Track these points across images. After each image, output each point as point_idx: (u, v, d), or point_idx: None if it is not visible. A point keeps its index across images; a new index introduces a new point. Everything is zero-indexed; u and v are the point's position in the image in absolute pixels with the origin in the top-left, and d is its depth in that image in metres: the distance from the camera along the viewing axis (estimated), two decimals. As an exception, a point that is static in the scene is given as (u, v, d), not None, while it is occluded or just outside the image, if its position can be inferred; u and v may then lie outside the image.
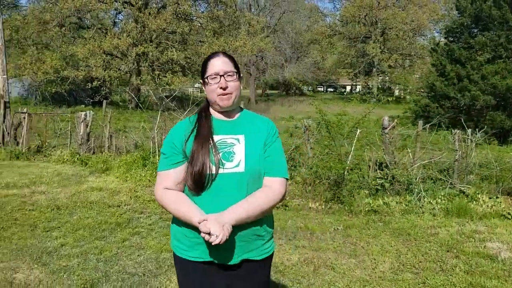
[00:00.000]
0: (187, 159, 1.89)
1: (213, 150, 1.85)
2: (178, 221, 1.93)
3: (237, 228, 1.81)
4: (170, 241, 2.04)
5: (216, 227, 1.67)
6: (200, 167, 1.82)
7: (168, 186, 1.91)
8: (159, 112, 9.09)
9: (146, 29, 26.36)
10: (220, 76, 1.88)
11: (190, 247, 1.90)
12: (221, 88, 1.87)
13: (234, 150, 1.88)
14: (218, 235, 1.65)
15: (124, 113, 22.83)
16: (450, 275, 4.00)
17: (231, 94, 1.90)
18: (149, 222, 5.47)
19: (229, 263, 1.88)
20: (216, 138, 1.90)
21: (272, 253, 2.04)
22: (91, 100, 29.01)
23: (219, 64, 1.90)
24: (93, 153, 9.95)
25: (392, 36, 44.03)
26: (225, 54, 1.97)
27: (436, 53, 20.66)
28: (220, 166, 1.84)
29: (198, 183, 1.84)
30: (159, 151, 8.25)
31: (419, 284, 3.80)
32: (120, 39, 25.65)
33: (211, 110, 1.99)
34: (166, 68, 27.78)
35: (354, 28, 45.78)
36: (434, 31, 46.03)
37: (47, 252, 4.39)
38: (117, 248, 4.56)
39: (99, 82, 25.62)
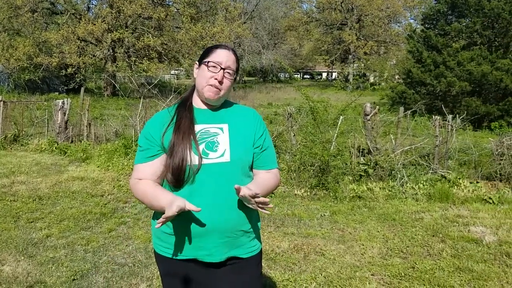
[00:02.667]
0: (164, 151, 1.79)
1: (195, 141, 1.76)
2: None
3: (224, 222, 1.75)
4: (152, 238, 1.97)
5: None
6: (180, 160, 1.72)
7: (143, 179, 1.83)
8: (141, 99, 8.92)
9: (122, 14, 25.73)
10: (221, 68, 1.79)
11: (172, 244, 1.82)
12: (216, 79, 1.78)
13: (218, 139, 1.80)
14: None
15: (99, 101, 22.39)
16: (438, 259, 4.07)
17: (220, 90, 1.81)
18: (135, 211, 5.40)
19: (214, 261, 1.81)
20: (198, 127, 1.82)
21: (260, 252, 1.95)
22: (65, 88, 28.37)
23: (225, 57, 1.81)
24: (72, 141, 9.76)
25: (367, 23, 44.27)
26: (234, 51, 1.88)
27: (412, 39, 20.81)
28: (204, 156, 1.75)
29: (177, 177, 1.74)
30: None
31: (408, 269, 3.86)
32: (94, 24, 25.02)
33: (194, 100, 1.90)
34: (142, 54, 27.27)
35: (330, 15, 45.73)
36: (409, 18, 46.54)
37: (32, 243, 4.29)
38: (104, 239, 4.49)
39: (73, 69, 24.99)
